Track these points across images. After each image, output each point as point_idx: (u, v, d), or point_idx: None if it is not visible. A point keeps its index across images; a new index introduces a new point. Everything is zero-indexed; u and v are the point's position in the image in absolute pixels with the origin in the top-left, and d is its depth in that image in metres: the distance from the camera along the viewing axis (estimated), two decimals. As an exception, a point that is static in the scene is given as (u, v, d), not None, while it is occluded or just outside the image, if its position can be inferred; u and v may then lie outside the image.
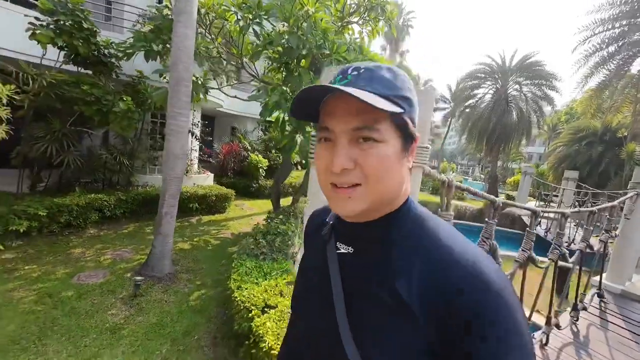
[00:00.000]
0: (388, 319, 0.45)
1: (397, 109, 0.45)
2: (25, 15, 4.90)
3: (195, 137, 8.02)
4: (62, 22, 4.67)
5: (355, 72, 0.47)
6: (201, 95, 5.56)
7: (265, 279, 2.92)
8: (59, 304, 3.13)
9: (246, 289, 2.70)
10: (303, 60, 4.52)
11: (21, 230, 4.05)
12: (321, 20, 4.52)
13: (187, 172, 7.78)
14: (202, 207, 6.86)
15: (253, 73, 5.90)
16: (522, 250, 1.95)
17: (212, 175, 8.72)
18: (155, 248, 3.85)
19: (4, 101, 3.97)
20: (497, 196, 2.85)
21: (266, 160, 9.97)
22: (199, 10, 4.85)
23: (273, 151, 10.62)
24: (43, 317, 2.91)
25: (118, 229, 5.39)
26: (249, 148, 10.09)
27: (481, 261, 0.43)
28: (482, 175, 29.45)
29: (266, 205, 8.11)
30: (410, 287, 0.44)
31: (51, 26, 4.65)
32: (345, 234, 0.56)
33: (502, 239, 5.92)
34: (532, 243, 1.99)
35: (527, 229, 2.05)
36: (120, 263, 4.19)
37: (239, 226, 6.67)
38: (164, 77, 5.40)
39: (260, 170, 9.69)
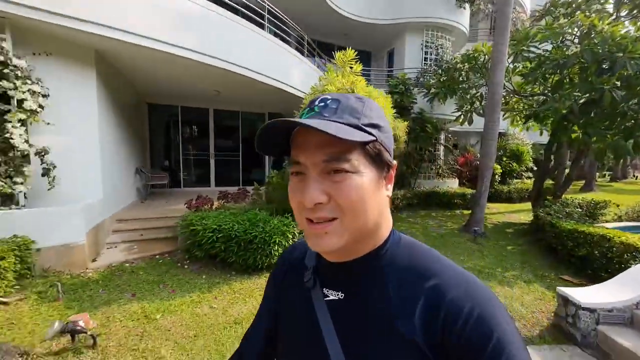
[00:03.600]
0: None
1: (367, 137, 0.43)
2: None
3: (447, 148, 10.41)
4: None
5: (322, 104, 0.46)
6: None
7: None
8: (437, 239, 5.77)
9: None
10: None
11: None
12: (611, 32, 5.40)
13: (439, 176, 10.25)
14: (462, 202, 8.90)
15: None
16: None
17: (457, 180, 10.76)
18: (475, 214, 6.02)
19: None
20: None
21: (499, 166, 10.95)
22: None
23: (504, 159, 11.44)
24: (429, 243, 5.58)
25: (416, 212, 8.21)
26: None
27: (477, 284, 0.43)
28: None
29: (506, 207, 9.23)
30: (413, 324, 0.42)
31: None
32: (331, 278, 0.51)
33: None
34: None
35: None
36: (445, 225, 6.71)
37: (501, 217, 8.12)
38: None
39: (495, 176, 10.77)
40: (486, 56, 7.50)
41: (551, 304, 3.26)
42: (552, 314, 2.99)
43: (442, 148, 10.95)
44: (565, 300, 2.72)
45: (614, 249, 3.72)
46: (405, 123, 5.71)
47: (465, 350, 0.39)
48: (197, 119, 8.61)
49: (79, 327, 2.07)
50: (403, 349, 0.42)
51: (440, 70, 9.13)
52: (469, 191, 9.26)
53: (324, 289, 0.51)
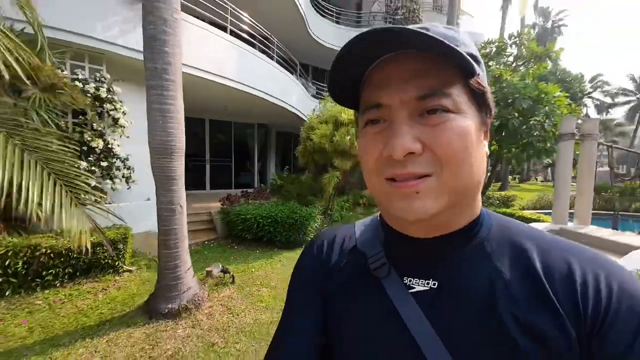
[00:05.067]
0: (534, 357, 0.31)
1: (474, 68, 0.33)
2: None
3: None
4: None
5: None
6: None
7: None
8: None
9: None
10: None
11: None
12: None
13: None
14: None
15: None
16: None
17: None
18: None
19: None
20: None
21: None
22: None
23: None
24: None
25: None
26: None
27: (597, 252, 0.35)
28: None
29: None
30: (543, 310, 0.32)
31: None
32: (414, 263, 0.39)
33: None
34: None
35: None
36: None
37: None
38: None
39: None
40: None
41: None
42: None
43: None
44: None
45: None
46: None
47: (611, 327, 0.30)
48: (195, 129, 9.45)
49: (227, 268, 3.32)
50: (541, 336, 0.31)
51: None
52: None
53: (405, 279, 0.38)
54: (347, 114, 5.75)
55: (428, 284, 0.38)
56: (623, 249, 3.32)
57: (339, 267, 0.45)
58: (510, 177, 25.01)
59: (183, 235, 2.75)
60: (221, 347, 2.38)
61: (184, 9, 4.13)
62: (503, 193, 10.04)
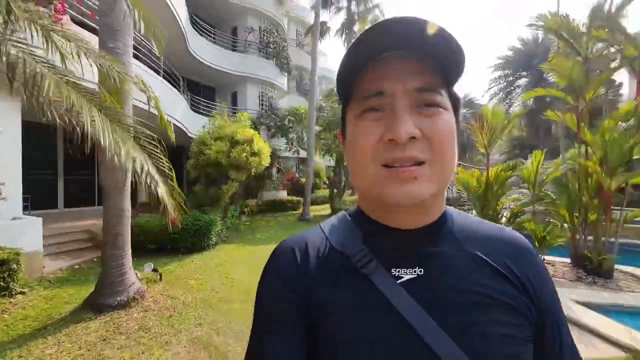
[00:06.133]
0: (508, 324, 0.38)
1: (461, 73, 0.39)
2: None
3: (279, 169, 14.56)
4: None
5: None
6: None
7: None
8: (289, 224, 9.31)
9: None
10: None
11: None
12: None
13: (275, 189, 14.19)
14: (292, 206, 13.22)
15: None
16: None
17: (286, 191, 15.11)
18: (305, 210, 10.12)
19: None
20: None
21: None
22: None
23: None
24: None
25: (266, 215, 11.59)
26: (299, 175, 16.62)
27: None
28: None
29: (316, 207, 14.54)
30: (501, 277, 0.41)
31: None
32: (399, 254, 0.42)
33: None
34: None
35: None
36: (288, 219, 10.41)
37: (317, 211, 12.99)
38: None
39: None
40: (303, 114, 12.20)
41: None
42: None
43: (275, 169, 15.05)
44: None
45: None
46: (268, 146, 8.99)
47: (538, 282, 0.42)
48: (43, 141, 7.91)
49: (157, 268, 3.81)
50: (505, 302, 0.39)
51: (274, 116, 13.21)
52: (295, 198, 13.71)
53: (393, 270, 0.40)
54: (242, 134, 6.84)
55: (415, 271, 0.40)
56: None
57: (320, 273, 0.42)
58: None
59: (128, 237, 3.21)
60: (177, 317, 3.09)
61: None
62: (353, 197, 13.52)
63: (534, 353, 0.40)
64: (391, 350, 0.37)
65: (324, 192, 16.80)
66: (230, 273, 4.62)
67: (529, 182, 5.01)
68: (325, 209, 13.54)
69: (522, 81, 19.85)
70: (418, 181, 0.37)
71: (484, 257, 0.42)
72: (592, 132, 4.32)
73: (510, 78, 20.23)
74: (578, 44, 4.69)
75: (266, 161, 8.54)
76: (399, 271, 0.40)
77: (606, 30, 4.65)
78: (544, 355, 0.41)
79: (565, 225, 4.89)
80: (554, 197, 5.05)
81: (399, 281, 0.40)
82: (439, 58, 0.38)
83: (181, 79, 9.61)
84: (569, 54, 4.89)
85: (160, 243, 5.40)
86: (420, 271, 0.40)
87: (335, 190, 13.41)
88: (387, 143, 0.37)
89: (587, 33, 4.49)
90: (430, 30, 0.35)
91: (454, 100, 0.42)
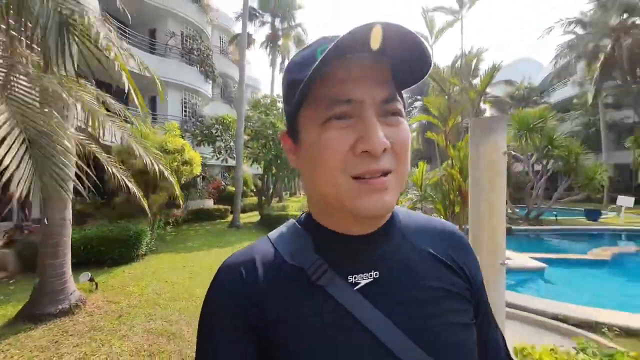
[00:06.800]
0: (462, 312, 0.42)
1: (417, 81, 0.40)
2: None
3: (204, 177, 14.25)
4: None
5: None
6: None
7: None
8: (219, 232, 9.41)
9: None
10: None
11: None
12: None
13: (200, 197, 13.83)
14: (219, 214, 13.15)
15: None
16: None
17: (212, 199, 14.81)
18: (235, 217, 10.36)
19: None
20: None
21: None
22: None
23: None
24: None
25: (193, 224, 11.33)
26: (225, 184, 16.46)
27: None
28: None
29: (246, 215, 14.78)
30: (447, 268, 0.44)
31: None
32: (354, 261, 0.42)
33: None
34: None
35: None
36: (217, 226, 10.44)
37: (246, 219, 13.20)
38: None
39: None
40: (231, 122, 12.43)
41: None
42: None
43: (201, 177, 14.65)
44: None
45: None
46: (199, 155, 9.01)
47: (473, 267, 0.47)
48: None
49: (93, 277, 3.81)
50: (458, 294, 0.42)
51: (199, 123, 13.02)
52: (223, 207, 13.64)
53: (349, 277, 0.40)
54: (172, 143, 6.88)
55: (371, 275, 0.40)
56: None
57: (270, 288, 0.40)
58: (284, 193, 32.44)
59: (68, 246, 3.25)
60: (127, 316, 3.31)
61: None
62: (281, 204, 14.23)
63: None
64: (352, 358, 0.37)
65: (252, 200, 17.08)
66: (169, 278, 4.80)
67: (417, 185, 6.67)
68: (254, 216, 13.87)
69: (418, 104, 24.07)
70: (388, 191, 0.36)
71: (430, 250, 0.44)
72: (454, 149, 6.15)
73: (409, 100, 24.33)
74: (444, 86, 6.58)
75: (197, 170, 8.61)
76: (355, 277, 0.40)
77: (459, 78, 6.65)
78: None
79: (441, 217, 6.69)
80: (434, 196, 6.82)
81: (355, 287, 0.39)
82: (405, 61, 0.37)
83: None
84: (438, 92, 6.77)
85: (82, 256, 5.12)
86: (376, 274, 0.40)
87: (263, 198, 13.93)
88: (359, 155, 0.35)
89: (447, 79, 6.38)
90: (398, 34, 0.33)
91: (404, 102, 0.41)
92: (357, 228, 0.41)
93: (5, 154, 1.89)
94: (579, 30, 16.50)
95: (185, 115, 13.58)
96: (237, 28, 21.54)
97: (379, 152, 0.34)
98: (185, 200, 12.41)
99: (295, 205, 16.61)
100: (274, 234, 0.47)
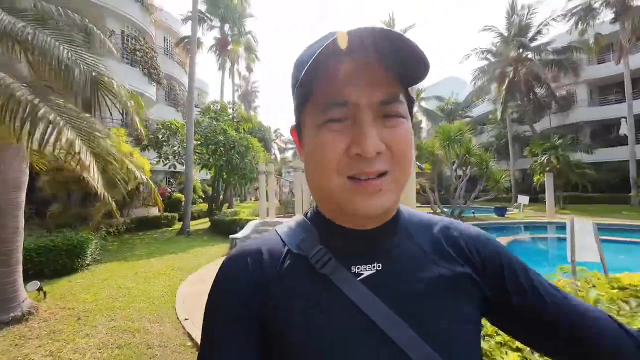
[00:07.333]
0: (465, 302, 0.43)
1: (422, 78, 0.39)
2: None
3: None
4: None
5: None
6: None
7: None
8: (166, 240, 9.20)
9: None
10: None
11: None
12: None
13: (144, 205, 13.14)
14: (165, 222, 12.66)
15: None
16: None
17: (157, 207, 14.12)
18: (185, 223, 10.20)
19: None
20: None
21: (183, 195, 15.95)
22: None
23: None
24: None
25: (136, 233, 10.80)
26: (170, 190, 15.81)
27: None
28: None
29: (196, 221, 14.46)
30: (452, 261, 0.44)
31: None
32: (358, 253, 0.43)
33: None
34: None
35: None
36: (165, 234, 10.14)
37: (196, 226, 12.91)
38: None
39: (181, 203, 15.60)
40: (179, 127, 12.18)
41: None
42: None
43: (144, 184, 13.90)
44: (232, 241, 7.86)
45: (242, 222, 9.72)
46: (148, 161, 8.76)
47: (489, 259, 0.45)
48: None
49: (41, 286, 3.77)
50: (459, 286, 0.42)
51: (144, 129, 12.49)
52: (170, 214, 13.15)
53: (352, 268, 0.42)
54: (126, 147, 6.72)
55: (374, 267, 0.41)
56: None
57: (276, 277, 0.42)
58: (234, 198, 31.83)
59: (20, 255, 3.25)
60: (86, 319, 3.42)
61: None
62: (231, 209, 14.22)
63: (516, 315, 0.44)
64: (354, 346, 0.38)
65: (200, 206, 16.67)
66: (123, 284, 4.84)
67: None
68: (205, 223, 13.65)
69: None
70: (383, 192, 0.37)
71: (432, 244, 0.45)
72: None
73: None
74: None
75: (148, 175, 8.40)
76: (358, 268, 0.41)
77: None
78: (526, 301, 0.43)
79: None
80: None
81: (359, 278, 0.41)
82: (403, 62, 0.37)
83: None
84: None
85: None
86: (379, 266, 0.42)
87: (214, 205, 13.81)
88: (353, 157, 0.36)
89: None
90: (394, 36, 0.34)
91: (410, 102, 0.42)
92: (359, 224, 0.42)
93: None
94: (491, 58, 19.76)
95: (126, 118, 12.84)
96: (183, 30, 20.90)
97: (371, 156, 0.35)
98: (127, 208, 11.75)
99: (247, 210, 16.64)
100: (281, 227, 0.49)
